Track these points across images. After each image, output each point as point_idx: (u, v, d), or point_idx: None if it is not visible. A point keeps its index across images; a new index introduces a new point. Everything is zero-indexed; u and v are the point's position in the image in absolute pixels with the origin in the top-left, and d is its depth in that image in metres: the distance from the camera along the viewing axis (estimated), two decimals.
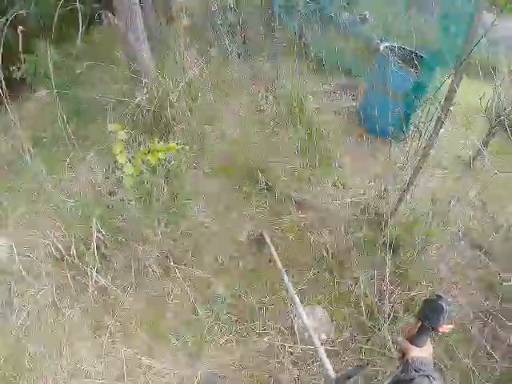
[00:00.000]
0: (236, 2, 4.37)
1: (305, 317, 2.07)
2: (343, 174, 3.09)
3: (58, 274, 2.59)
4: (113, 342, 2.67)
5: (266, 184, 2.85)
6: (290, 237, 2.71)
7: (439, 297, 1.25)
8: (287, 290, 2.28)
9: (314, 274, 2.62)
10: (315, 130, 3.05)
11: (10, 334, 2.81)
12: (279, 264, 2.41)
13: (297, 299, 2.15)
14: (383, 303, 2.30)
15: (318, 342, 1.92)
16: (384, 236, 2.49)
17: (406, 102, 3.17)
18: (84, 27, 4.29)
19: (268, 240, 2.64)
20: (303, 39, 3.75)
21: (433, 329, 1.25)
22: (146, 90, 2.98)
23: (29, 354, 2.74)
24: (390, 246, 2.33)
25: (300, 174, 2.96)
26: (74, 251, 2.37)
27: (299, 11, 3.78)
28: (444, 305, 1.22)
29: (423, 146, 2.37)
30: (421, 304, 1.30)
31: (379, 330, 2.21)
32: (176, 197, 2.64)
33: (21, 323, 2.91)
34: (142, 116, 2.92)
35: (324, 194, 2.88)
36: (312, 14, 3.72)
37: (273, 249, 2.54)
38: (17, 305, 3.05)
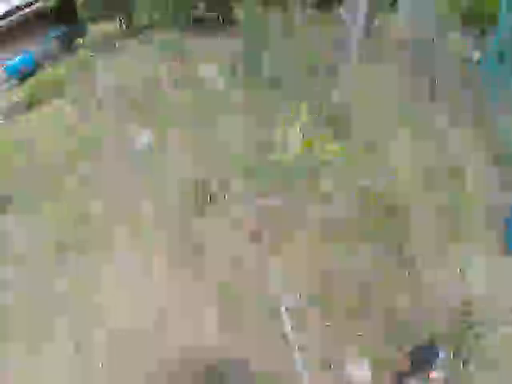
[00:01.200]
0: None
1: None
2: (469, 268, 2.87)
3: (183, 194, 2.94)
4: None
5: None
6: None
7: (434, 343, 1.26)
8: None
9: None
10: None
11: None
12: None
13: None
14: None
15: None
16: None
17: None
18: None
19: None
20: None
21: (422, 373, 1.26)
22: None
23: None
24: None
25: (440, 245, 2.85)
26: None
27: None
28: (439, 352, 1.18)
29: None
30: (414, 348, 1.31)
31: None
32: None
33: None
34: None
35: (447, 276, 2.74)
36: None
37: None
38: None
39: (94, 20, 6.48)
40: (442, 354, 1.26)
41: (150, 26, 5.10)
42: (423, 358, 1.31)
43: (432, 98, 4.02)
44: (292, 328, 2.43)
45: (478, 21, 4.37)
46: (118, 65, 4.90)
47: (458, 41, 5.18)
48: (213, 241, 2.84)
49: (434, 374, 1.28)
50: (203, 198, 2.86)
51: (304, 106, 2.55)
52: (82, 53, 5.13)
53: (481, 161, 3.50)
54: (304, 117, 2.56)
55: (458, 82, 4.16)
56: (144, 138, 3.68)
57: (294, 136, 2.59)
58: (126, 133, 3.95)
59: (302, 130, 2.67)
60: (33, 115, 5.34)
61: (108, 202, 3.43)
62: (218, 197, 2.90)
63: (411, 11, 5.13)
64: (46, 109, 5.43)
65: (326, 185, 2.93)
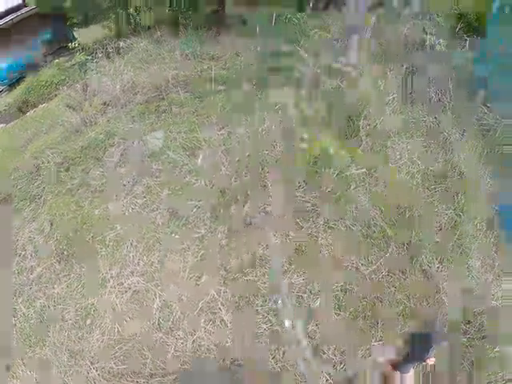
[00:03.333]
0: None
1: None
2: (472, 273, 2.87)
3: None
4: None
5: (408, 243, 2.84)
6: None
7: (432, 329, 1.29)
8: None
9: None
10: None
11: None
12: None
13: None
14: None
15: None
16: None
17: None
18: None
19: None
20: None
21: (420, 360, 1.27)
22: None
23: None
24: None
25: (440, 248, 2.89)
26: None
27: None
28: (435, 338, 1.23)
29: None
30: (411, 334, 1.34)
31: None
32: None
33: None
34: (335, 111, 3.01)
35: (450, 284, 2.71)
36: None
37: None
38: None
39: (86, 23, 6.35)
40: (439, 341, 1.29)
41: (151, 27, 5.00)
42: (420, 344, 1.33)
43: (438, 103, 4.06)
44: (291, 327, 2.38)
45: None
46: (113, 68, 4.80)
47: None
48: None
49: (431, 360, 1.30)
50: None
51: (321, 105, 2.56)
52: (77, 56, 5.02)
53: (486, 170, 3.50)
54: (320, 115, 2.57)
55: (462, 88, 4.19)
56: (153, 140, 3.60)
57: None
58: (133, 136, 3.85)
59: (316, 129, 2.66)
60: (25, 120, 5.18)
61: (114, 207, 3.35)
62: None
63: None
64: (38, 114, 5.27)
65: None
